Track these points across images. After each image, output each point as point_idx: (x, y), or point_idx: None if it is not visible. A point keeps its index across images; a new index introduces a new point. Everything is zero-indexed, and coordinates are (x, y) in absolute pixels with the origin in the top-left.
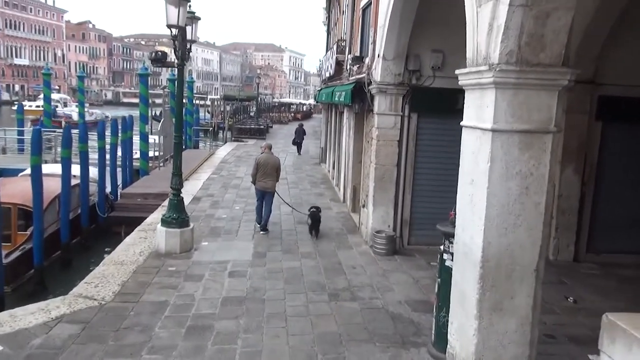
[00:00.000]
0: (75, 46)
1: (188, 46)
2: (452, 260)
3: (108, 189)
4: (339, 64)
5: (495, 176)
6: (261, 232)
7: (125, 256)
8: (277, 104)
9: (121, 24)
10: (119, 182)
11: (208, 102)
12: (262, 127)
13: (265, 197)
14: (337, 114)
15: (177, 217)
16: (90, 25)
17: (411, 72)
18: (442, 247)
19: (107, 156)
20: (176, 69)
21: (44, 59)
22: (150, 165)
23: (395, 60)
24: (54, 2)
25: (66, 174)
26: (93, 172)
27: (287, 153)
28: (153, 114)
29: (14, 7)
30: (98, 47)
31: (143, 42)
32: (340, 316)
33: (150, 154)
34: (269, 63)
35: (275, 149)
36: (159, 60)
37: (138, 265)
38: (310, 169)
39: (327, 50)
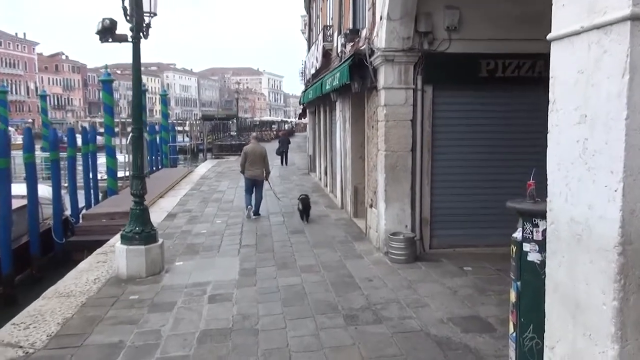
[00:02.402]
0: (49, 78)
1: (147, 20)
2: (539, 251)
3: (68, 211)
4: (326, 55)
5: (638, 98)
6: (253, 217)
7: (75, 285)
8: (258, 123)
9: (96, 55)
10: (82, 203)
11: (187, 128)
12: (244, 142)
13: (255, 186)
14: (326, 112)
15: (141, 232)
16: (64, 57)
17: (422, 34)
18: (517, 235)
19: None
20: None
21: (16, 92)
22: (120, 185)
23: (403, 20)
24: (24, 35)
25: (4, 192)
26: (46, 191)
27: (272, 165)
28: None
29: None
30: (72, 78)
31: (119, 72)
32: (366, 347)
33: (121, 174)
34: (247, 86)
35: None
36: (108, 31)
37: (89, 296)
38: (299, 179)
39: (309, 50)
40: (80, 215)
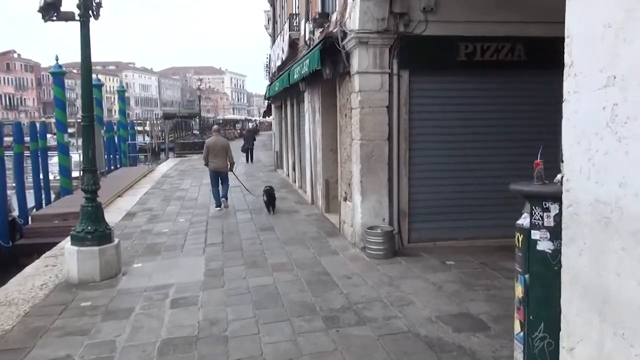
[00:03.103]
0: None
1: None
2: (550, 239)
3: (16, 212)
4: (292, 45)
5: None
6: (221, 207)
7: (19, 293)
8: (221, 121)
9: (51, 53)
10: (30, 203)
11: (147, 128)
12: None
13: (220, 178)
14: (294, 105)
15: (94, 231)
16: (15, 55)
17: (398, 15)
18: (523, 221)
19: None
20: (80, 27)
21: None
22: (75, 184)
23: (378, 0)
24: None
25: None
26: None
27: (237, 163)
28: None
29: None
30: (25, 77)
31: (75, 70)
32: (349, 352)
33: (76, 174)
34: (210, 86)
35: None
36: (51, 7)
37: (34, 304)
38: (265, 176)
39: (273, 43)
40: (30, 217)
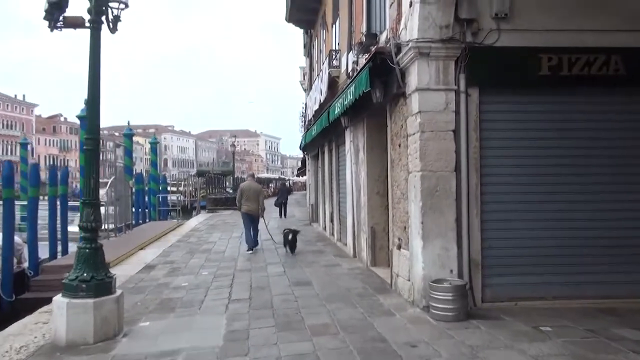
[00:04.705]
0: (46, 139)
1: (115, 12)
2: None
3: (26, 264)
4: (332, 84)
5: None
6: (250, 252)
7: None
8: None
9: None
10: (43, 253)
11: (182, 188)
12: None
13: (251, 220)
14: (332, 150)
15: (90, 279)
16: (62, 118)
17: (464, 22)
18: None
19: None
20: (89, 35)
21: (11, 153)
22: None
23: (441, 4)
24: (24, 96)
25: None
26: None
27: (270, 218)
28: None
29: None
30: (69, 139)
31: (117, 134)
32: None
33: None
34: (244, 148)
35: None
36: (55, 7)
37: None
38: (300, 230)
39: (309, 91)
40: (40, 268)
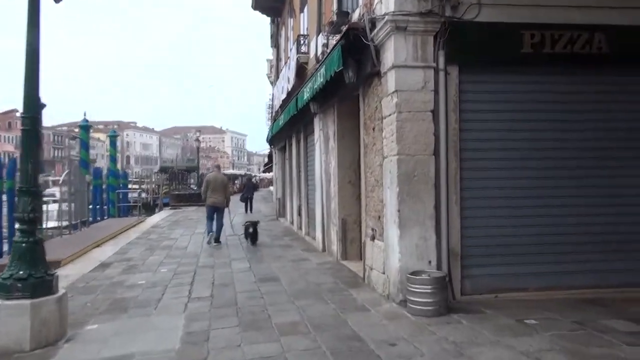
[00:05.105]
0: (0, 136)
1: None
2: None
3: None
4: (300, 70)
5: None
6: (214, 244)
7: None
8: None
9: (54, 113)
10: None
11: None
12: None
13: (216, 213)
14: (300, 140)
15: (27, 277)
16: (17, 114)
17: None
18: None
19: None
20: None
21: None
22: (48, 234)
23: None
24: None
25: None
26: None
27: (236, 213)
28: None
29: None
30: None
31: (77, 130)
32: None
33: (52, 223)
34: (210, 144)
35: None
36: None
37: None
38: (266, 225)
39: (276, 83)
40: None
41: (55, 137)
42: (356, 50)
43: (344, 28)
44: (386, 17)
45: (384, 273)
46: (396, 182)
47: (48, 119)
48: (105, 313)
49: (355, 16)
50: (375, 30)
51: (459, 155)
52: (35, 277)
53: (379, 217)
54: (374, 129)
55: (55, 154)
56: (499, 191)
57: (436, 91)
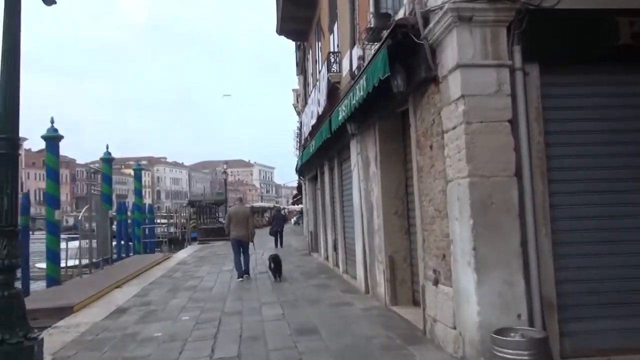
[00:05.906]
0: (36, 173)
1: None
2: None
3: None
4: (332, 91)
5: None
6: (240, 279)
7: None
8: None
9: (87, 151)
10: None
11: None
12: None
13: (241, 247)
14: (334, 167)
15: (0, 343)
16: None
17: None
18: None
19: None
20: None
21: None
22: (70, 273)
23: None
24: None
25: None
26: None
27: (265, 249)
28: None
29: None
30: (60, 173)
31: (97, 165)
32: None
33: (71, 262)
34: (238, 178)
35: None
36: None
37: None
38: (298, 260)
39: (302, 112)
40: None
41: (89, 174)
42: (405, 53)
43: (386, 32)
44: (445, 5)
45: (454, 328)
46: (468, 212)
47: (80, 155)
48: None
49: (400, 15)
50: (430, 25)
51: (547, 175)
52: (9, 343)
53: (444, 255)
54: (431, 147)
55: (89, 191)
56: (600, 221)
57: (513, 96)
